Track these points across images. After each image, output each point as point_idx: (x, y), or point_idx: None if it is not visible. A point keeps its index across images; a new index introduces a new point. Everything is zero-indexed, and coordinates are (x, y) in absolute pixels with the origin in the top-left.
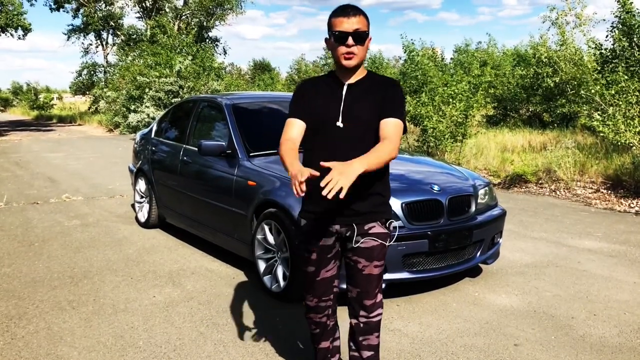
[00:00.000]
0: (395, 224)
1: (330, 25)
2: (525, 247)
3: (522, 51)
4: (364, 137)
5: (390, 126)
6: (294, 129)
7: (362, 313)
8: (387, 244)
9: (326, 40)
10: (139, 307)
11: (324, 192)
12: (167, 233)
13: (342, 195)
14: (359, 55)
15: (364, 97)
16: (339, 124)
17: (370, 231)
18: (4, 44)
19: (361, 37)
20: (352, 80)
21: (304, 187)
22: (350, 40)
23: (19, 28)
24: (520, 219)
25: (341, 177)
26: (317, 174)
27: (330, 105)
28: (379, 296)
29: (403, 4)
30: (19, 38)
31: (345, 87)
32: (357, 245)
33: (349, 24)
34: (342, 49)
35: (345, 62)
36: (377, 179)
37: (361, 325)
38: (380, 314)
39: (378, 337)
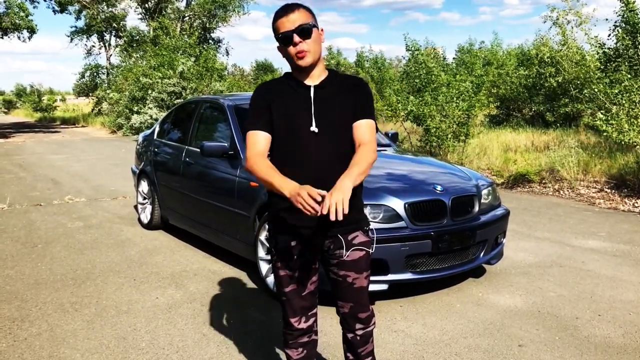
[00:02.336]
0: (373, 227)
1: (274, 31)
2: (529, 247)
3: (528, 50)
4: (340, 143)
5: (364, 128)
6: (261, 143)
7: (358, 326)
8: (371, 251)
9: (278, 48)
10: (141, 309)
11: (332, 217)
12: (169, 234)
13: (346, 212)
14: (312, 51)
15: (335, 99)
16: (313, 128)
17: (354, 241)
18: (5, 46)
19: (306, 31)
20: (317, 81)
21: (317, 207)
22: (296, 38)
23: (25, 30)
24: (523, 218)
25: (339, 193)
26: (324, 193)
27: (299, 109)
28: (370, 306)
29: (404, 4)
30: (24, 40)
31: (312, 90)
32: (347, 257)
33: (290, 22)
34: (292, 50)
35: (300, 62)
36: (357, 185)
37: (358, 338)
38: (375, 322)
39: (372, 340)
